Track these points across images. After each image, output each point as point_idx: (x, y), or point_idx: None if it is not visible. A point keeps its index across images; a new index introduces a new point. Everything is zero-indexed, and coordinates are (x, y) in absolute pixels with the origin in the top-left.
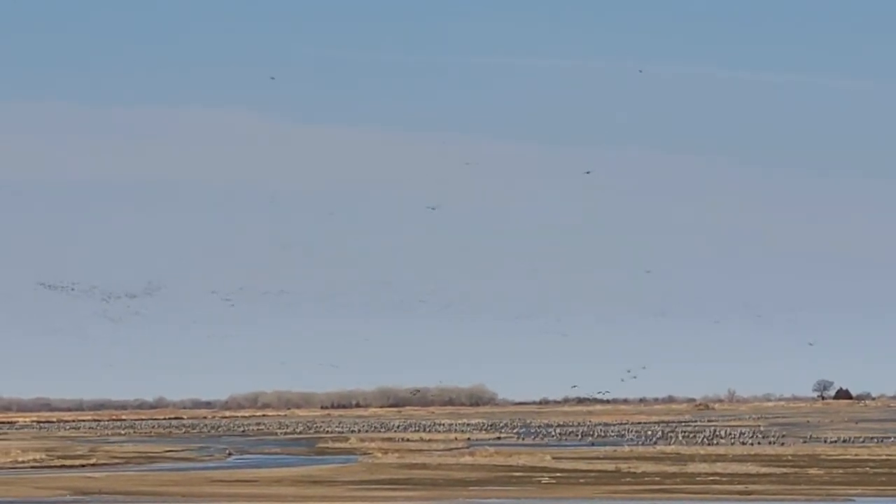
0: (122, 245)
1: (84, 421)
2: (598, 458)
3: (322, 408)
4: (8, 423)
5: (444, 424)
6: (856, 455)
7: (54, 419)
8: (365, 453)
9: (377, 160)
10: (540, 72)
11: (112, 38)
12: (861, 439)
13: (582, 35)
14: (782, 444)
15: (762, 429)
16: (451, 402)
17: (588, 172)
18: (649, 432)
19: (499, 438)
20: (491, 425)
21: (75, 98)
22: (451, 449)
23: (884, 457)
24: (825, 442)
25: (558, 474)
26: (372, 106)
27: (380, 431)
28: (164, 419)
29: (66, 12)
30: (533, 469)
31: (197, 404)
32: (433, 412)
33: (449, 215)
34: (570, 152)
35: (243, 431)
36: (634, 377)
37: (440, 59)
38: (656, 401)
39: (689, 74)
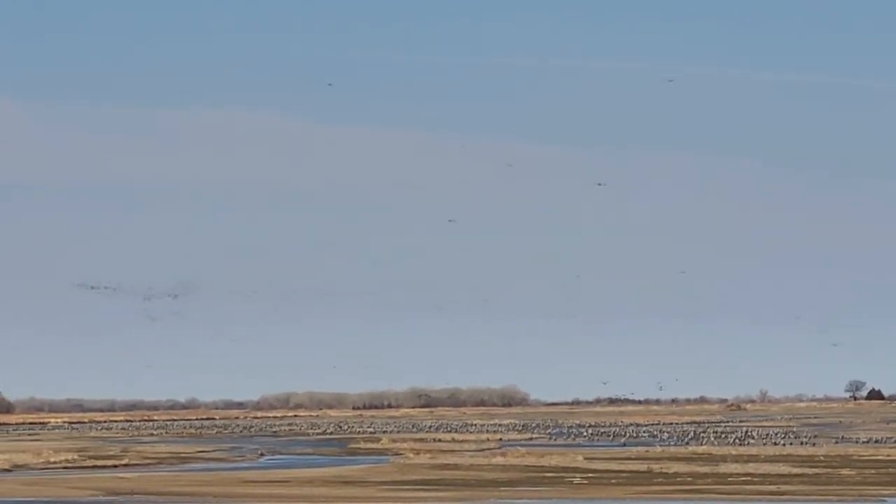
0: (156, 246)
1: (116, 421)
2: (629, 459)
3: (354, 408)
4: (40, 423)
5: (475, 425)
6: (888, 455)
7: (86, 420)
8: (397, 454)
9: (413, 161)
10: (573, 73)
11: (150, 40)
12: (893, 440)
13: (621, 36)
14: (814, 444)
15: (794, 429)
16: (482, 403)
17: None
18: (681, 433)
19: (530, 439)
20: (523, 426)
21: (116, 99)
22: (482, 449)
23: None
24: (857, 442)
25: (590, 475)
26: (407, 106)
27: (411, 432)
28: (196, 420)
29: (114, 15)
30: (565, 470)
31: (229, 405)
32: (465, 413)
33: (481, 217)
34: (602, 154)
35: (275, 432)
36: (661, 388)
37: (484, 60)
38: (688, 401)
39: (724, 76)
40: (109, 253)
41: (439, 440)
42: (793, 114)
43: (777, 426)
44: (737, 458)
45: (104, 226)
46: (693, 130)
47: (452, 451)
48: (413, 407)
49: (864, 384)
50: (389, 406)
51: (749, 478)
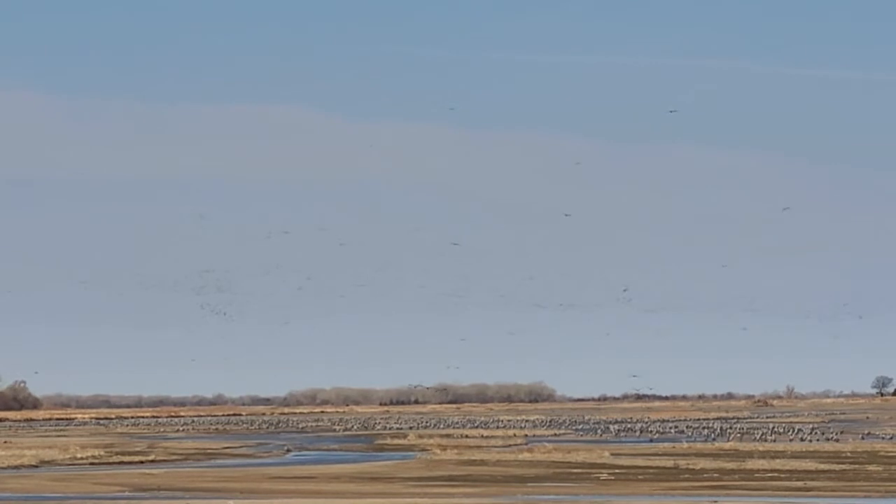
0: (183, 242)
1: (143, 417)
2: (656, 455)
3: (381, 404)
4: (67, 419)
5: (502, 421)
6: None
7: (113, 416)
8: (423, 450)
9: (443, 155)
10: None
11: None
12: None
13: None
14: (841, 440)
15: (821, 425)
16: (509, 399)
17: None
18: (708, 429)
19: (557, 435)
20: (550, 422)
21: (143, 96)
22: (509, 445)
23: None
24: (884, 438)
25: (617, 471)
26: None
27: (438, 428)
28: (223, 416)
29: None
30: (591, 465)
31: (255, 401)
32: (492, 409)
33: (504, 212)
34: (637, 148)
35: (301, 428)
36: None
37: (523, 57)
38: (715, 397)
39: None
40: (136, 247)
41: (466, 436)
42: (846, 111)
43: (804, 422)
44: (763, 455)
45: (131, 220)
46: (729, 126)
47: (479, 446)
48: (440, 403)
49: (891, 380)
50: (416, 402)
51: (776, 474)
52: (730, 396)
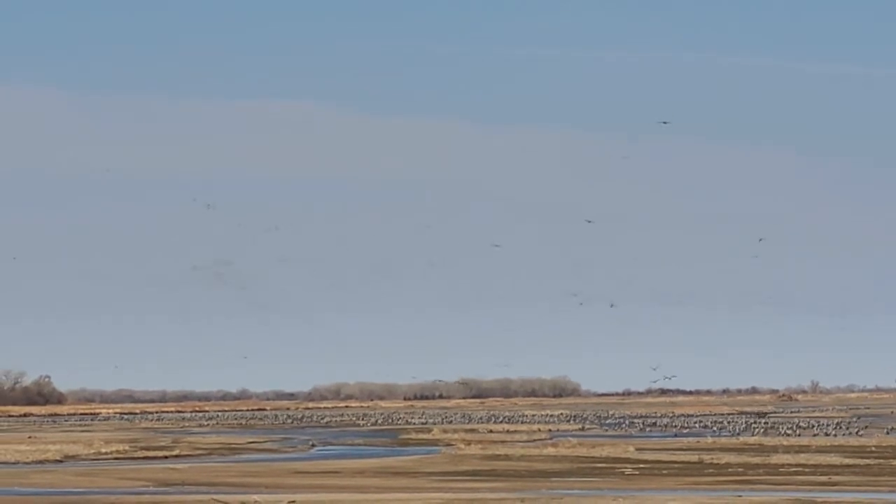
0: (207, 239)
1: (167, 412)
2: (681, 450)
3: (405, 399)
4: (91, 414)
5: (527, 416)
6: None
7: (137, 411)
8: (448, 445)
9: (463, 152)
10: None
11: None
12: None
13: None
14: (865, 435)
15: (845, 420)
16: (534, 394)
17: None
18: (732, 423)
19: (582, 430)
20: (574, 417)
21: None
22: (534, 440)
23: None
24: None
25: (641, 465)
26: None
27: (463, 423)
28: (248, 410)
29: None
30: (616, 460)
31: (280, 396)
32: (516, 404)
33: (525, 208)
34: (656, 143)
35: (326, 423)
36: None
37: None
38: (739, 392)
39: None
40: (162, 242)
41: (490, 431)
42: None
43: (828, 417)
44: (788, 449)
45: (154, 215)
46: (744, 121)
47: (503, 441)
48: (464, 397)
49: None
50: (441, 397)
51: (800, 468)
52: (754, 391)
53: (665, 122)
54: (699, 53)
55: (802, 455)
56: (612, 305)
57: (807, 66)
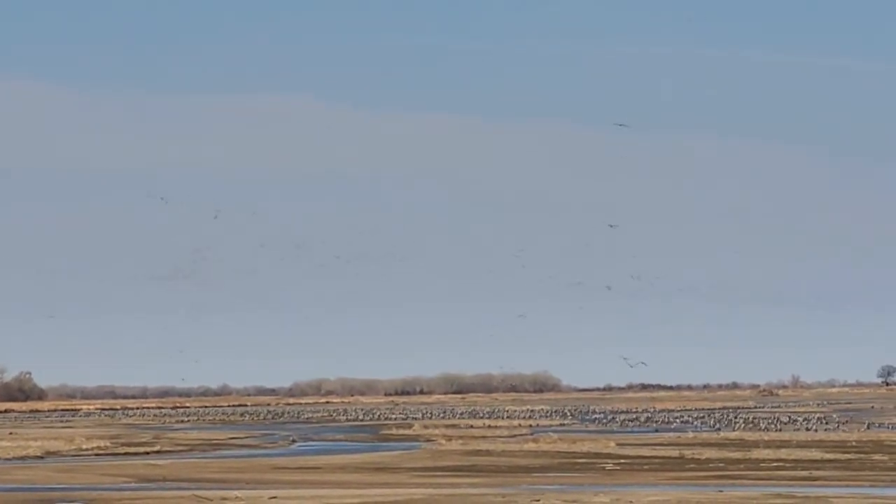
0: (184, 234)
1: (148, 408)
2: (661, 445)
3: (385, 395)
4: (72, 410)
5: (507, 411)
6: None
7: (118, 407)
8: (429, 440)
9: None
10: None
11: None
12: None
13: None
14: (846, 430)
15: (826, 415)
16: (514, 389)
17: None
18: (713, 418)
19: (562, 425)
20: (555, 412)
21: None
22: (514, 436)
23: None
24: (889, 428)
25: (622, 461)
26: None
27: (443, 418)
28: (228, 406)
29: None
30: (597, 455)
31: (261, 391)
32: (497, 399)
33: (509, 202)
34: (650, 137)
35: (307, 418)
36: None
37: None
38: (720, 387)
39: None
40: (141, 237)
41: (471, 426)
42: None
43: (809, 412)
44: (769, 444)
45: (137, 210)
46: (736, 117)
47: (484, 437)
48: (445, 393)
49: (895, 369)
50: (421, 392)
51: (781, 463)
52: (735, 386)
53: (621, 125)
54: (699, 49)
55: (783, 450)
56: (608, 288)
57: (811, 60)
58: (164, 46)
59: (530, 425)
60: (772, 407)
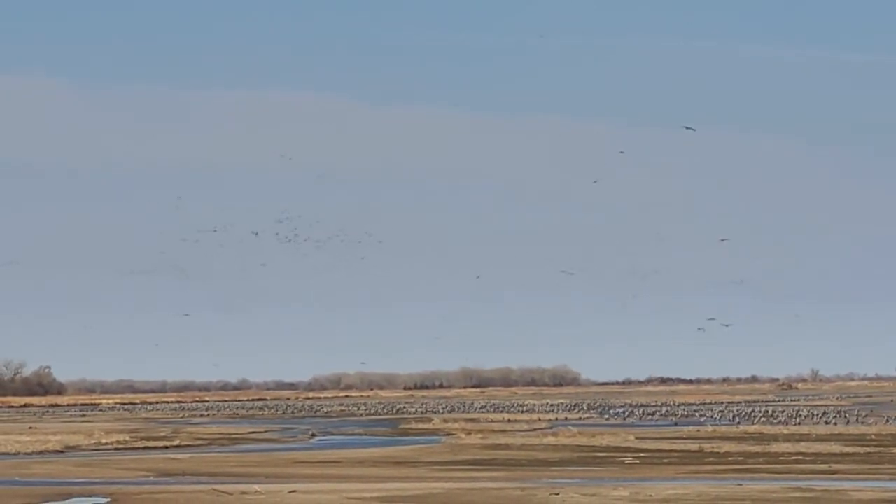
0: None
1: (167, 403)
2: (681, 439)
3: (405, 388)
4: (92, 405)
5: (527, 405)
6: None
7: (137, 401)
8: (448, 434)
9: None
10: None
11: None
12: None
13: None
14: (866, 423)
15: (846, 408)
16: (534, 383)
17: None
18: (732, 412)
19: (582, 419)
20: (574, 406)
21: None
22: (534, 429)
23: None
24: None
25: (641, 454)
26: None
27: (463, 412)
28: (248, 401)
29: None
30: (616, 449)
31: (280, 385)
32: (516, 393)
33: (526, 196)
34: (656, 133)
35: (326, 412)
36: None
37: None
38: (739, 381)
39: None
40: (157, 232)
41: (491, 420)
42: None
43: (828, 405)
44: (788, 438)
45: (155, 206)
46: (743, 111)
47: (504, 431)
48: (464, 387)
49: None
50: (441, 386)
51: (801, 457)
52: (754, 380)
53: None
54: (697, 43)
55: (803, 443)
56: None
57: (809, 52)
58: (164, 46)
59: (550, 419)
60: (791, 400)
